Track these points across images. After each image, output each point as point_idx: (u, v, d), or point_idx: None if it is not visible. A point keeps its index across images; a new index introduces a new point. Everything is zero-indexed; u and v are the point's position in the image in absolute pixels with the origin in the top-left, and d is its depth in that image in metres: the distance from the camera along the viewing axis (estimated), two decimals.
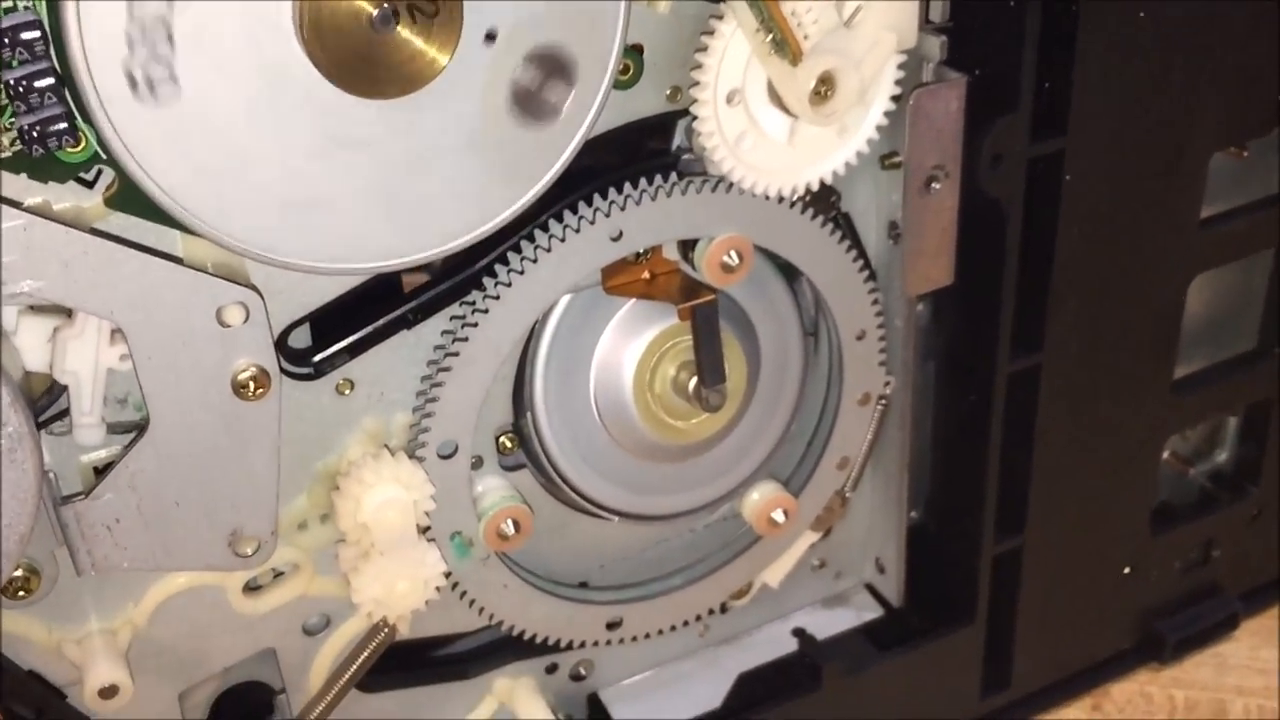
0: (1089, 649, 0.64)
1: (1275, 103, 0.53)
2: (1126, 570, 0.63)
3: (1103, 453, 0.58)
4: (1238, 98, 0.52)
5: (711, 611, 0.56)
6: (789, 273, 0.51)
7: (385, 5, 0.36)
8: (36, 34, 0.34)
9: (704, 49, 0.43)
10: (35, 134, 0.35)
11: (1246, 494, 0.65)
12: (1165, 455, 0.64)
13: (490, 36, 0.38)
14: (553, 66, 0.40)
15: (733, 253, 0.47)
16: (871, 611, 0.60)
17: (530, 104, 0.40)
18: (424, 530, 0.47)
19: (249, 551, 0.43)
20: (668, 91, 0.46)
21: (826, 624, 0.60)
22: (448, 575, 0.48)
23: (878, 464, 0.57)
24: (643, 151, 0.47)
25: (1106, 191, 0.51)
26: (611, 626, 0.54)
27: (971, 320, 0.53)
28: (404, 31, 0.36)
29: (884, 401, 0.55)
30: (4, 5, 0.34)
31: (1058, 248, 0.51)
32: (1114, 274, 0.53)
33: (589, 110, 0.41)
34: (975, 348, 0.53)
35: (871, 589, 0.61)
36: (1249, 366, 0.62)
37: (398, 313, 0.45)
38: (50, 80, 0.35)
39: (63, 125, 0.35)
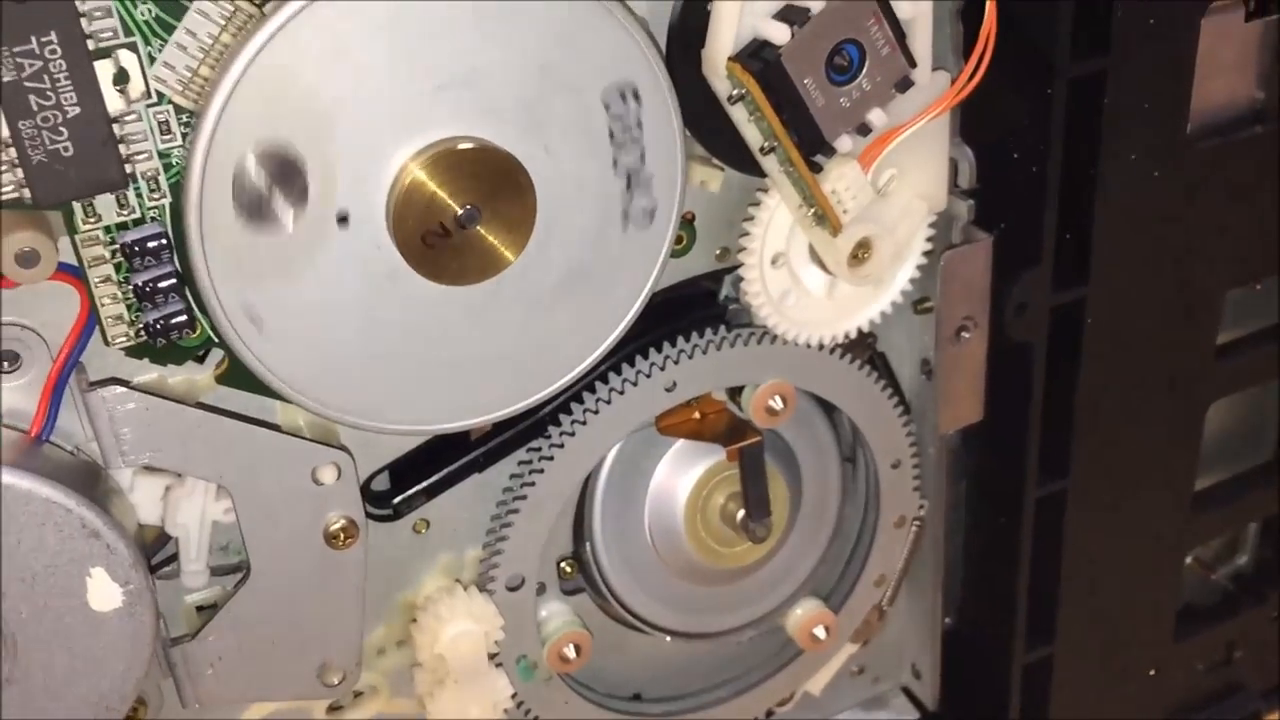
0: None
1: None
2: (1152, 673, 0.66)
3: (1128, 566, 0.61)
4: (1249, 240, 0.56)
5: (758, 718, 0.60)
6: (828, 406, 0.55)
7: (469, 206, 0.40)
8: (162, 242, 0.39)
9: (751, 219, 0.47)
10: (159, 327, 0.39)
11: (1266, 596, 0.68)
12: (1188, 561, 0.67)
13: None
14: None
15: (777, 398, 0.51)
16: (909, 715, 0.64)
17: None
18: (493, 656, 0.50)
19: (335, 681, 0.47)
20: (717, 252, 0.50)
21: None
22: (514, 696, 0.52)
23: (913, 579, 0.60)
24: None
25: (1126, 331, 0.54)
26: None
27: (1000, 451, 0.56)
28: (482, 230, 0.41)
29: (918, 523, 0.58)
30: (133, 218, 0.39)
31: (1080, 384, 0.54)
32: (1134, 404, 0.57)
33: (646, 283, 0.45)
34: (1004, 475, 0.56)
35: (909, 693, 0.65)
36: (1266, 479, 0.65)
37: (470, 457, 0.49)
38: (173, 281, 0.39)
39: (183, 318, 0.40)
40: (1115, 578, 0.61)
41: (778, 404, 0.51)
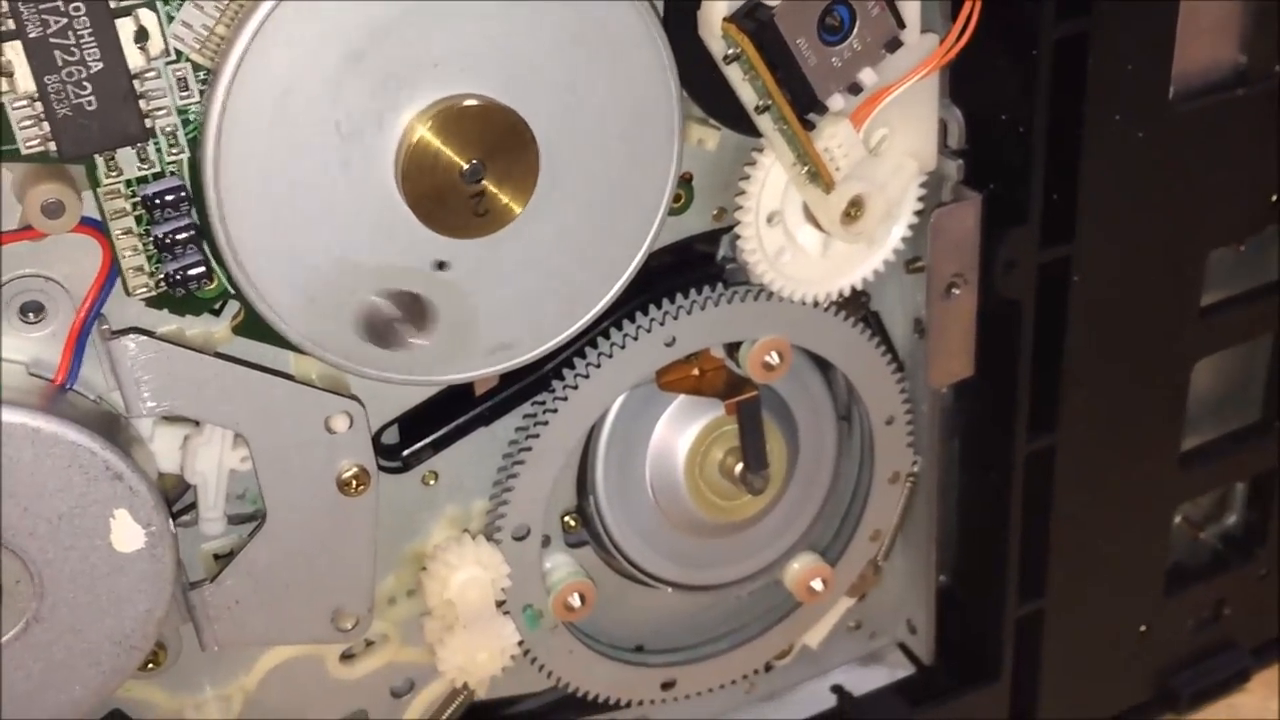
0: (1108, 703, 0.68)
1: (1267, 203, 0.58)
2: (1142, 629, 0.67)
3: (1117, 522, 0.63)
4: (1232, 201, 0.57)
5: (757, 671, 0.62)
6: (824, 364, 0.57)
7: (475, 161, 0.42)
8: (180, 195, 0.40)
9: (747, 178, 0.49)
10: (179, 277, 0.41)
11: (1254, 555, 0.70)
12: (1177, 520, 0.69)
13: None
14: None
15: (774, 353, 0.53)
16: (904, 669, 0.65)
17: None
18: (500, 604, 0.52)
19: (348, 626, 0.49)
20: (714, 212, 0.51)
21: (862, 681, 0.65)
22: (520, 644, 0.53)
23: (908, 534, 0.62)
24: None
25: (1112, 289, 0.56)
26: (666, 686, 0.59)
27: (991, 406, 0.58)
28: (488, 184, 0.42)
29: (912, 479, 0.60)
30: (153, 172, 0.40)
31: (1068, 341, 0.56)
32: (1121, 361, 0.58)
33: (645, 239, 0.47)
34: (995, 431, 0.58)
35: (904, 648, 0.66)
36: (1253, 439, 0.66)
37: (476, 411, 0.51)
38: (191, 233, 0.41)
39: (201, 269, 0.41)
40: (1105, 533, 0.63)
41: (774, 359, 0.53)
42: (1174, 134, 0.54)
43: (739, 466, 0.54)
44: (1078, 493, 0.61)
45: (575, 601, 0.54)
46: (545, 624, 0.54)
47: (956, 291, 0.54)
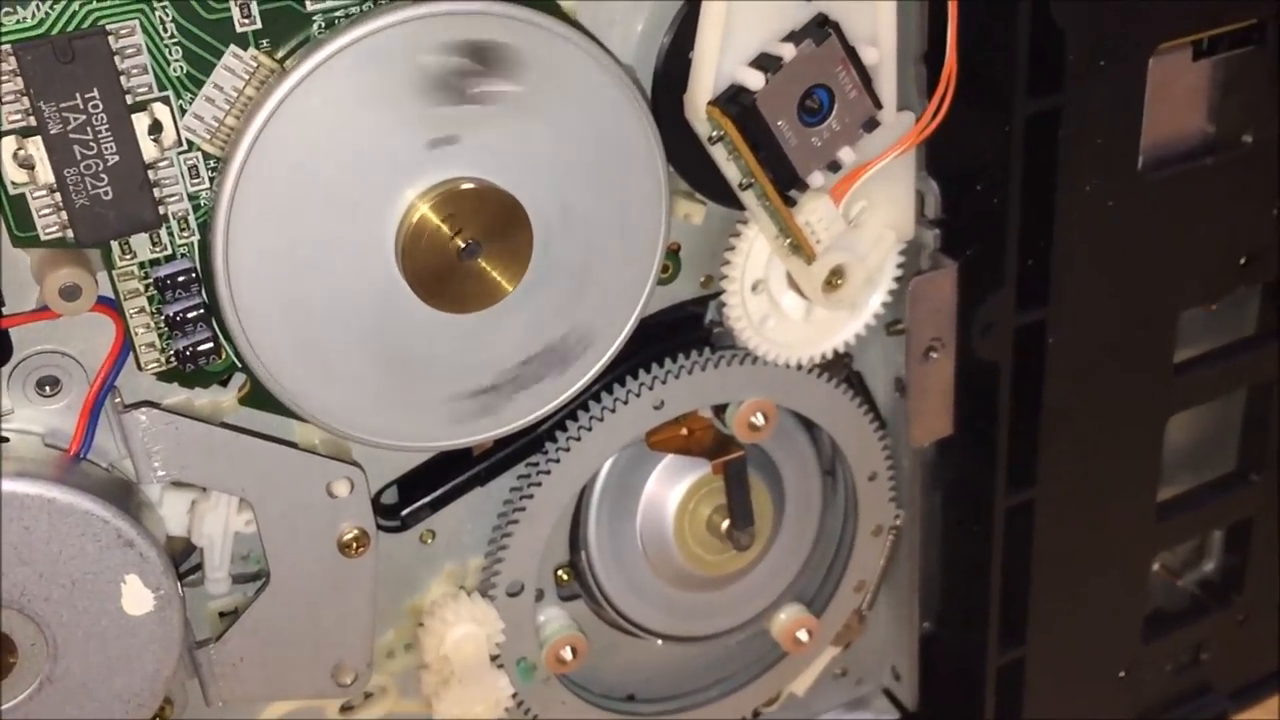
0: None
1: (1236, 266, 0.60)
2: (1122, 674, 0.69)
3: (1095, 571, 0.65)
4: (1202, 264, 0.59)
5: (745, 718, 0.63)
6: (808, 422, 0.58)
7: (471, 241, 0.44)
8: (191, 276, 0.42)
9: (732, 249, 0.51)
10: (188, 353, 0.43)
11: (1232, 601, 0.71)
12: (1156, 567, 0.70)
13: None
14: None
15: (759, 414, 0.55)
16: (889, 715, 0.67)
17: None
18: (494, 658, 0.54)
19: (348, 681, 0.51)
20: (701, 280, 0.53)
21: None
22: (514, 696, 0.55)
23: (891, 585, 0.64)
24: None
25: (1086, 349, 0.58)
26: None
27: (971, 463, 0.59)
28: (482, 262, 0.45)
29: (895, 532, 0.62)
30: (165, 254, 0.42)
31: (1045, 399, 0.58)
32: (1097, 418, 0.60)
33: (634, 308, 0.49)
34: (976, 486, 0.60)
35: (889, 694, 0.68)
36: (1228, 490, 0.68)
37: (473, 471, 0.53)
38: (200, 312, 0.43)
39: (210, 346, 0.43)
40: (1084, 583, 0.64)
41: (760, 420, 0.55)
42: (1144, 202, 0.56)
43: (726, 523, 0.56)
44: (1057, 544, 0.62)
45: (567, 655, 0.55)
46: (538, 676, 0.56)
47: (935, 355, 0.56)
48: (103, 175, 0.39)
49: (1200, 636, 0.71)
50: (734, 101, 0.46)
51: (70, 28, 0.38)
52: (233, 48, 0.40)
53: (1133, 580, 0.67)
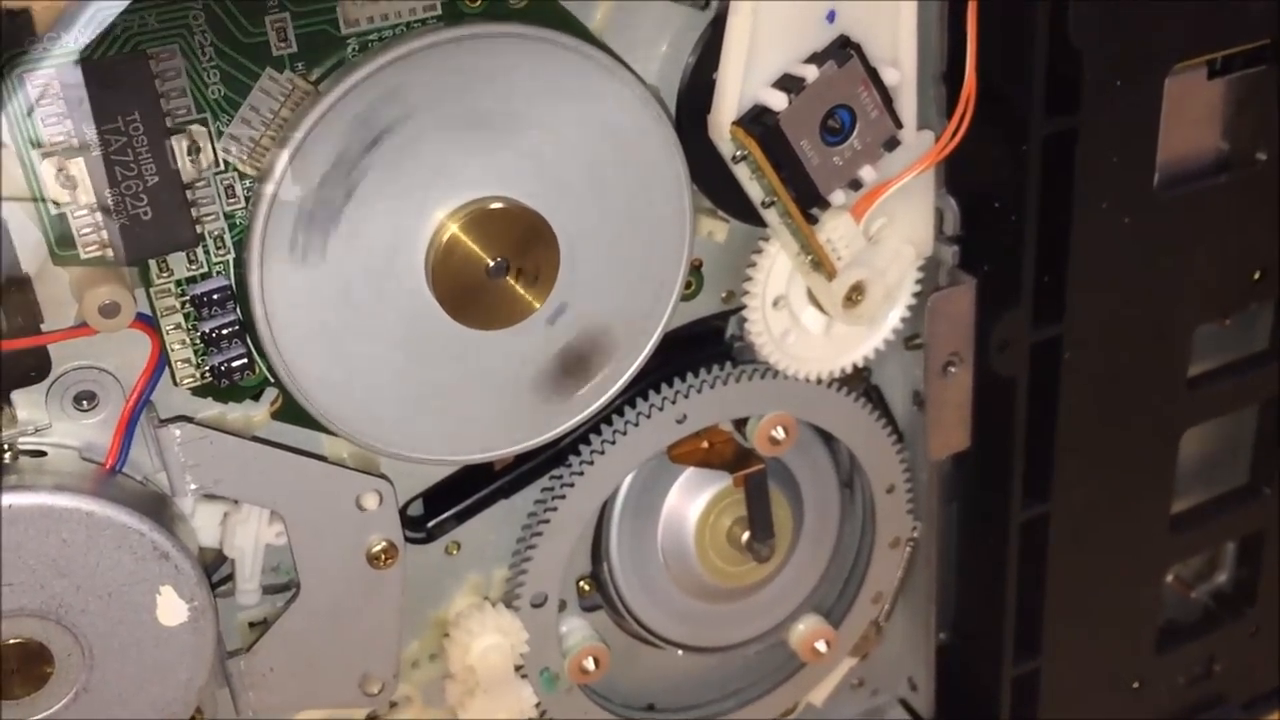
0: None
1: (1249, 282, 0.61)
2: (1135, 685, 0.70)
3: (1110, 583, 0.65)
4: (1216, 280, 0.60)
5: None
6: (827, 436, 0.59)
7: (500, 259, 0.45)
8: (226, 294, 0.43)
9: (754, 265, 0.52)
10: (223, 369, 0.44)
11: (1244, 613, 0.72)
12: (1169, 579, 0.71)
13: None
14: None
15: (779, 428, 0.55)
16: None
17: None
18: (519, 668, 0.55)
19: (375, 691, 0.52)
20: (723, 295, 0.54)
21: None
22: (538, 705, 0.56)
23: (908, 596, 0.65)
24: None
25: (1102, 364, 0.59)
26: None
27: (987, 477, 0.60)
28: (510, 280, 0.45)
29: (912, 543, 0.62)
30: (201, 272, 0.43)
31: (1060, 414, 0.58)
32: (1112, 432, 0.61)
33: (658, 324, 0.50)
34: (992, 499, 0.61)
35: (905, 704, 0.69)
36: (1241, 502, 0.69)
37: (497, 485, 0.53)
38: (235, 328, 0.44)
39: (244, 362, 0.44)
40: (1098, 595, 0.65)
41: (780, 434, 0.55)
42: (1159, 219, 0.57)
43: (746, 535, 0.56)
44: (1072, 556, 0.63)
45: (590, 665, 0.56)
46: (561, 686, 0.57)
47: (954, 370, 0.56)
48: (142, 195, 0.40)
49: (1213, 648, 0.72)
50: (758, 122, 0.47)
51: (111, 52, 0.39)
52: (269, 70, 0.41)
53: (1146, 592, 0.68)
